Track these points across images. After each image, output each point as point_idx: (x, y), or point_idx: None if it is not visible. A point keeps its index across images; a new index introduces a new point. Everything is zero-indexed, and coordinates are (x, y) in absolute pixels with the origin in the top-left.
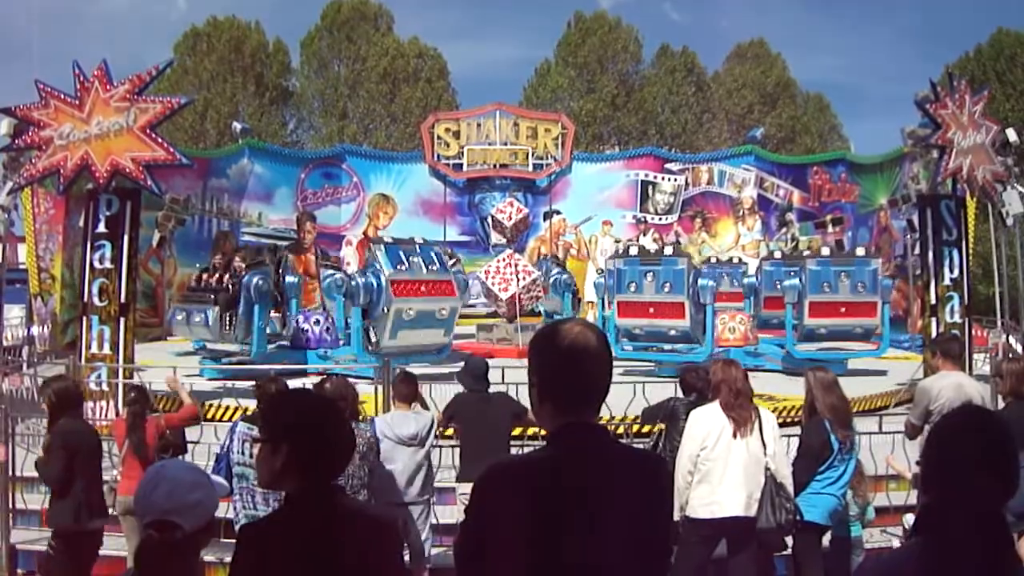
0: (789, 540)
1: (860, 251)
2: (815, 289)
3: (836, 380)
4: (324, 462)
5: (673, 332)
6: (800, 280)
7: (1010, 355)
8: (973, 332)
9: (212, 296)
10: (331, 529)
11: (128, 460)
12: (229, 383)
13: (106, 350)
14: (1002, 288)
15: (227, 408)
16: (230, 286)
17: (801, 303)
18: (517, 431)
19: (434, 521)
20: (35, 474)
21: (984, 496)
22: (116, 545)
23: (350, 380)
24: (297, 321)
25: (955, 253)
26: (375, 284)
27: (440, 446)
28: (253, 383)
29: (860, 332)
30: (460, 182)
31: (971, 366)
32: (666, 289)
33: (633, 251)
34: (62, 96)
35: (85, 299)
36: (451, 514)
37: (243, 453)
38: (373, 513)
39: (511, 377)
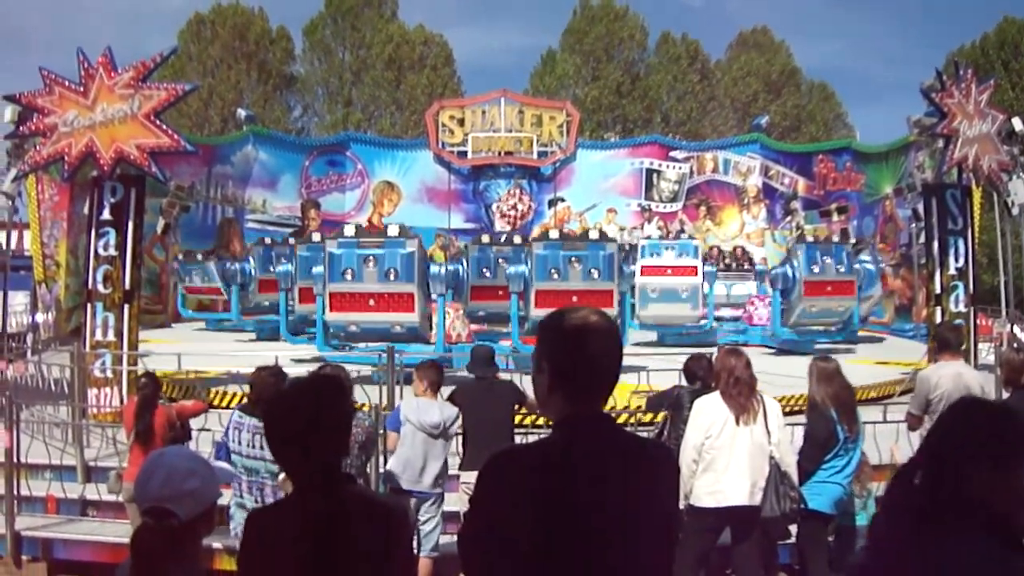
0: (793, 529)
1: (594, 234)
2: (542, 276)
3: (839, 369)
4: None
5: (399, 328)
6: (526, 266)
7: (1015, 344)
8: (978, 321)
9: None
10: (340, 515)
11: (135, 447)
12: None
13: (110, 337)
14: (1007, 277)
15: (233, 395)
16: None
17: (527, 292)
18: (528, 419)
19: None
20: (40, 460)
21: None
22: (122, 532)
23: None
24: None
25: (960, 242)
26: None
27: None
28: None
29: None
30: (465, 169)
31: (976, 356)
32: (391, 277)
33: (351, 230)
34: (66, 83)
35: (89, 286)
36: (454, 502)
37: (237, 442)
38: (382, 500)
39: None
